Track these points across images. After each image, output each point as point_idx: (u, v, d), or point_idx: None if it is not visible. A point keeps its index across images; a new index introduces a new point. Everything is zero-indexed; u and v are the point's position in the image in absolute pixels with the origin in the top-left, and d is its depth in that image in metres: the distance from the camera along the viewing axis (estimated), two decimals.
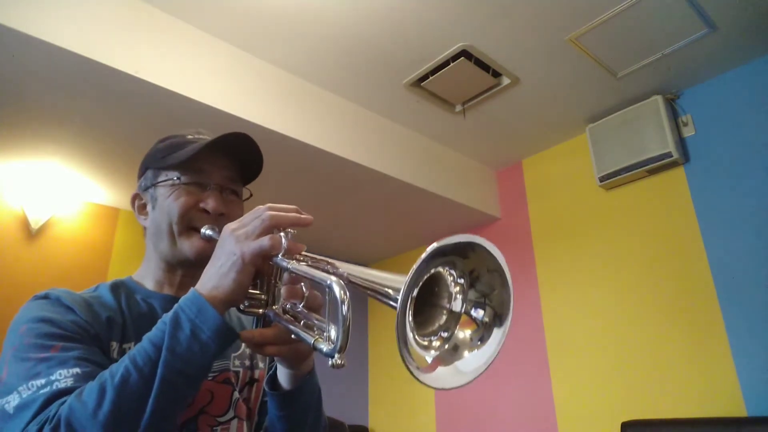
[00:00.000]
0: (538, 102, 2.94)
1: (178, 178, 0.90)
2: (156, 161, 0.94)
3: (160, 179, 0.92)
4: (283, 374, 0.84)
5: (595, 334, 2.91)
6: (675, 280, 2.67)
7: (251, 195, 1.00)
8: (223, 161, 0.93)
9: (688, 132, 2.81)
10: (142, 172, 0.97)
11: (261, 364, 0.97)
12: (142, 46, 2.14)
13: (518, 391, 3.17)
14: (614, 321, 2.85)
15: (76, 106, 2.28)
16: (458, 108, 2.94)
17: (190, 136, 0.96)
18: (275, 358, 0.83)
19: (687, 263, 2.65)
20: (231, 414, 0.87)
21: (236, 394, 0.89)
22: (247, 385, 0.93)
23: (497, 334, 0.64)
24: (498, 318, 0.64)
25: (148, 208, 0.94)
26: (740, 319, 2.41)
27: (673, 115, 2.84)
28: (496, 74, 2.68)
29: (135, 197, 0.97)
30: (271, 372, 0.88)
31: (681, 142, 2.79)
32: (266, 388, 0.87)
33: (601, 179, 2.96)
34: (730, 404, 2.34)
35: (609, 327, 2.87)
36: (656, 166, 2.78)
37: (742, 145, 2.60)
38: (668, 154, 2.71)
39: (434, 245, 0.56)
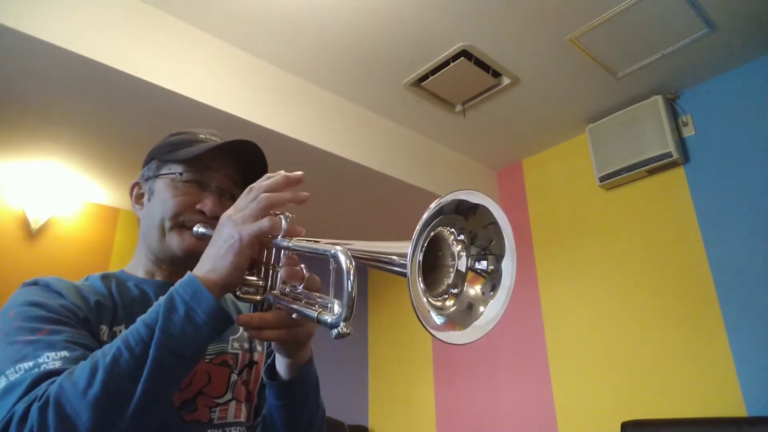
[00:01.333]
0: (538, 102, 2.94)
1: (180, 174, 0.90)
2: (162, 153, 0.93)
3: (162, 171, 0.92)
4: (281, 364, 0.84)
5: (595, 334, 2.91)
6: (675, 280, 2.67)
7: None
8: (228, 164, 0.93)
9: (688, 132, 2.81)
10: (146, 162, 0.97)
11: (259, 347, 0.97)
12: (142, 46, 2.14)
13: (518, 391, 3.17)
14: (614, 321, 2.85)
15: (76, 106, 2.28)
16: (458, 108, 2.94)
17: (201, 135, 0.96)
18: (273, 347, 0.83)
19: (687, 263, 2.64)
20: (229, 396, 0.87)
21: (234, 377, 0.89)
22: (246, 367, 0.93)
23: (505, 285, 0.65)
24: (501, 259, 0.66)
25: (145, 198, 0.94)
26: (740, 319, 2.41)
27: (673, 115, 2.84)
28: (496, 74, 2.68)
29: (134, 186, 0.97)
30: (269, 361, 0.88)
31: (681, 142, 2.79)
32: (265, 379, 0.87)
33: (601, 179, 2.96)
34: (730, 404, 2.34)
35: (609, 327, 2.86)
36: (656, 166, 2.78)
37: (742, 145, 2.60)
38: (668, 154, 2.71)
39: (435, 203, 0.57)
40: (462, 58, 2.53)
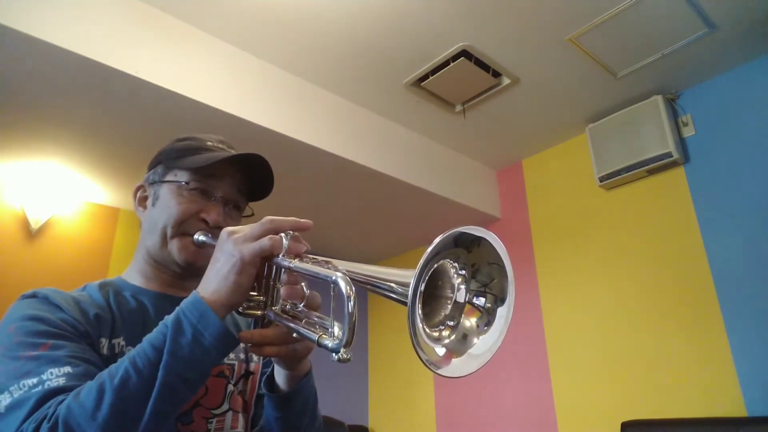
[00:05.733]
0: (538, 102, 2.93)
1: (186, 183, 0.90)
2: (170, 159, 0.93)
3: (168, 178, 0.92)
4: (280, 376, 0.85)
5: (595, 334, 2.91)
6: (675, 279, 2.67)
7: (253, 213, 0.99)
8: (234, 174, 0.93)
9: (688, 132, 2.81)
10: (153, 165, 0.96)
11: (256, 357, 0.97)
12: (142, 46, 2.14)
13: (518, 391, 3.17)
14: (614, 321, 2.85)
15: (76, 106, 2.28)
16: (458, 108, 2.94)
17: (210, 143, 0.96)
18: (273, 359, 0.83)
19: (687, 263, 2.64)
20: (226, 407, 0.88)
21: (231, 387, 0.89)
22: (242, 377, 0.93)
23: (501, 317, 0.66)
24: (500, 302, 0.67)
25: (149, 202, 0.94)
26: (740, 319, 2.41)
27: (673, 115, 2.84)
28: (496, 74, 2.68)
29: (139, 188, 0.97)
30: (268, 373, 0.88)
31: (681, 142, 2.79)
32: (264, 390, 0.87)
33: (601, 179, 2.96)
34: (730, 404, 2.34)
35: (609, 327, 2.86)
36: (656, 166, 2.78)
37: (742, 145, 2.60)
38: (668, 154, 2.71)
39: (440, 237, 0.57)
40: (462, 58, 2.53)
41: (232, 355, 0.92)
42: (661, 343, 2.64)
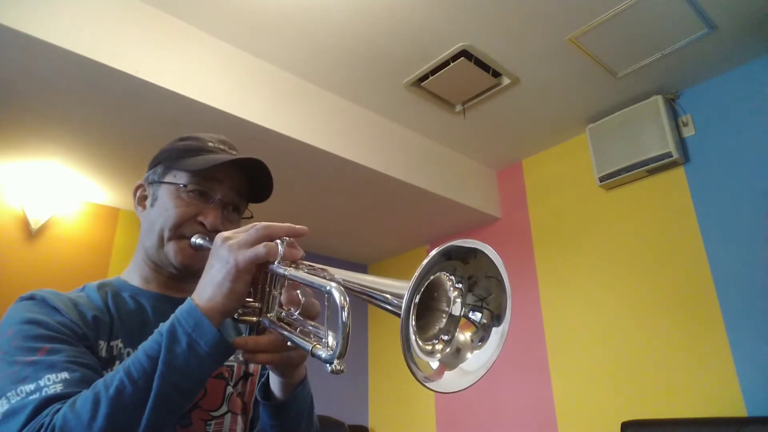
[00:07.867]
0: (538, 102, 2.93)
1: (185, 186, 0.89)
2: (170, 159, 0.93)
3: (167, 179, 0.92)
4: (275, 383, 0.84)
5: (595, 334, 2.91)
6: (675, 279, 2.67)
7: (252, 216, 0.99)
8: (234, 177, 0.92)
9: (688, 132, 2.81)
10: (153, 165, 0.96)
11: None
12: (142, 46, 2.14)
13: (518, 391, 3.17)
14: (614, 321, 2.85)
15: (76, 106, 2.28)
16: (458, 108, 2.94)
17: (210, 144, 0.95)
18: (267, 367, 0.83)
19: (687, 263, 2.64)
20: (224, 408, 0.87)
21: (230, 389, 0.89)
22: (241, 379, 0.93)
23: (496, 334, 0.64)
24: (496, 319, 0.65)
25: (148, 202, 0.94)
26: (740, 319, 2.41)
27: (673, 115, 2.84)
28: (496, 74, 2.68)
29: (138, 187, 0.97)
30: (263, 380, 0.88)
31: (681, 142, 2.79)
32: (259, 398, 0.87)
33: (601, 179, 2.96)
34: (730, 404, 2.34)
35: (609, 327, 2.86)
36: (656, 166, 2.78)
37: (742, 145, 2.60)
38: (668, 154, 2.71)
39: (436, 251, 0.56)
40: (462, 58, 2.53)
41: (231, 357, 0.92)
42: (661, 343, 2.64)
